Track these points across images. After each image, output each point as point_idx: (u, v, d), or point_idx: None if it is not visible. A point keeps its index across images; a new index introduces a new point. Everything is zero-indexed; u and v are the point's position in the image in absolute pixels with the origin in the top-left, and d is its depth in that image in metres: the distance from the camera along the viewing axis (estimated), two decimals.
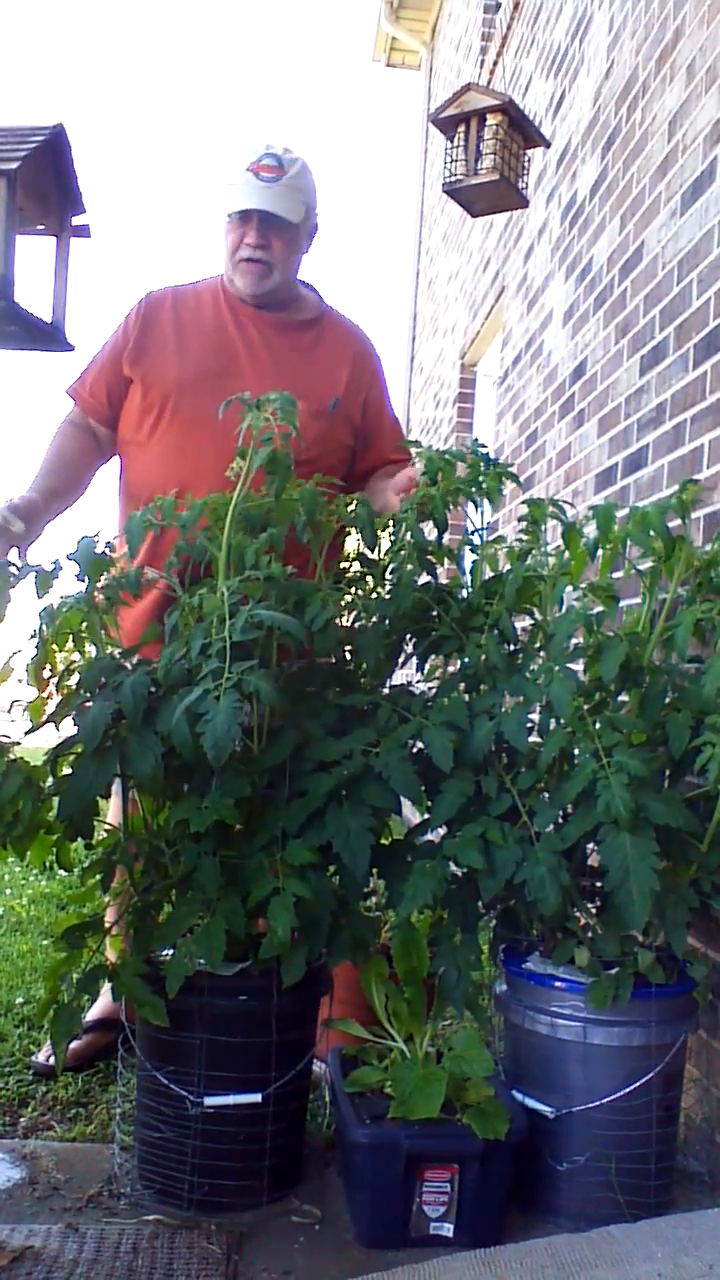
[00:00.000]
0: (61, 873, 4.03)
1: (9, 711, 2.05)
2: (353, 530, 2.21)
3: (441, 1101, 1.86)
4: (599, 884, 1.92)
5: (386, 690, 2.18)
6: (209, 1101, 1.91)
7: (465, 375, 6.67)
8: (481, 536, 2.22)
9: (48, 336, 2.12)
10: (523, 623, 2.14)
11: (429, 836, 2.04)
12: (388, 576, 2.16)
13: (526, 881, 1.85)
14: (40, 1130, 2.24)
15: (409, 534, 2.11)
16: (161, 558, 2.21)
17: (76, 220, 2.18)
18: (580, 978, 1.93)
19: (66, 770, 1.92)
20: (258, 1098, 1.92)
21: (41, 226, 2.13)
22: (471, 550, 2.21)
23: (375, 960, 2.13)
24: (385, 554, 2.18)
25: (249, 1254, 1.81)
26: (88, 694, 1.95)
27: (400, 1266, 1.69)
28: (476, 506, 2.18)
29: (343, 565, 2.28)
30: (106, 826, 2.05)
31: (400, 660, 2.22)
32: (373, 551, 2.19)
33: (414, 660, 2.20)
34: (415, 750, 1.99)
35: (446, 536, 2.23)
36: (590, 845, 1.90)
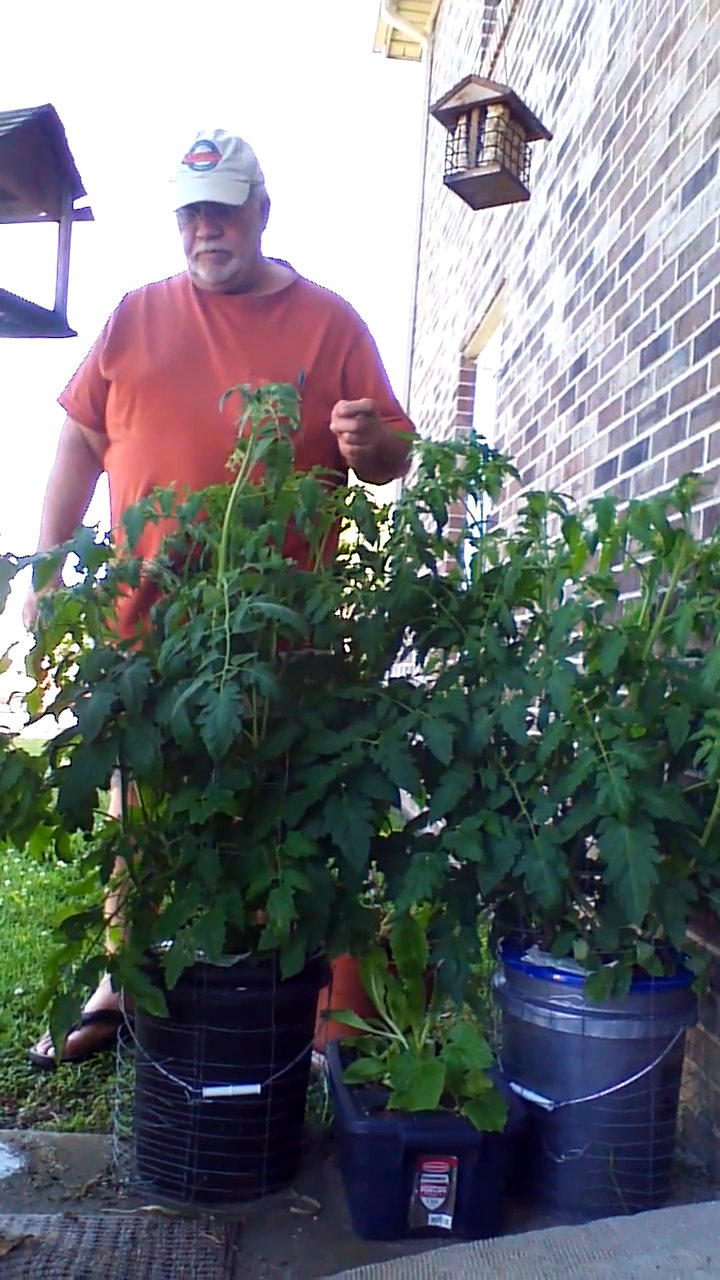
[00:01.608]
0: (60, 864, 4.04)
1: (8, 703, 2.05)
2: (352, 523, 2.21)
3: (440, 1093, 1.87)
4: (598, 877, 1.93)
5: (386, 683, 2.18)
6: (208, 1092, 1.91)
7: (465, 368, 6.66)
8: (481, 529, 2.21)
9: (47, 322, 2.11)
10: (522, 616, 2.14)
11: (428, 829, 2.04)
12: (387, 569, 2.15)
13: (525, 874, 1.85)
14: (39, 1120, 2.25)
15: (408, 526, 2.11)
16: (148, 551, 2.22)
17: (77, 204, 2.17)
18: (579, 971, 1.93)
19: (66, 761, 1.92)
20: (256, 1089, 1.92)
21: (43, 214, 2.12)
22: (471, 543, 2.21)
23: (374, 952, 2.13)
24: (385, 546, 2.18)
25: (247, 1244, 1.81)
26: (87, 685, 1.95)
27: (398, 1258, 1.69)
28: (476, 499, 2.17)
29: (341, 558, 2.28)
30: (106, 818, 2.05)
31: (400, 653, 2.22)
32: (372, 544, 2.19)
33: (413, 653, 2.20)
34: (414, 743, 1.99)
35: (446, 529, 2.22)
36: (589, 838, 1.90)
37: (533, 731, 1.97)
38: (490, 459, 2.15)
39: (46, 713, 2.01)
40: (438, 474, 2.15)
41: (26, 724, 2.03)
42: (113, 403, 2.61)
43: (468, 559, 2.22)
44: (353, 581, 2.18)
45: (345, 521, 2.24)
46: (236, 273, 2.56)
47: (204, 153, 2.46)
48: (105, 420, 2.64)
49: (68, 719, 1.97)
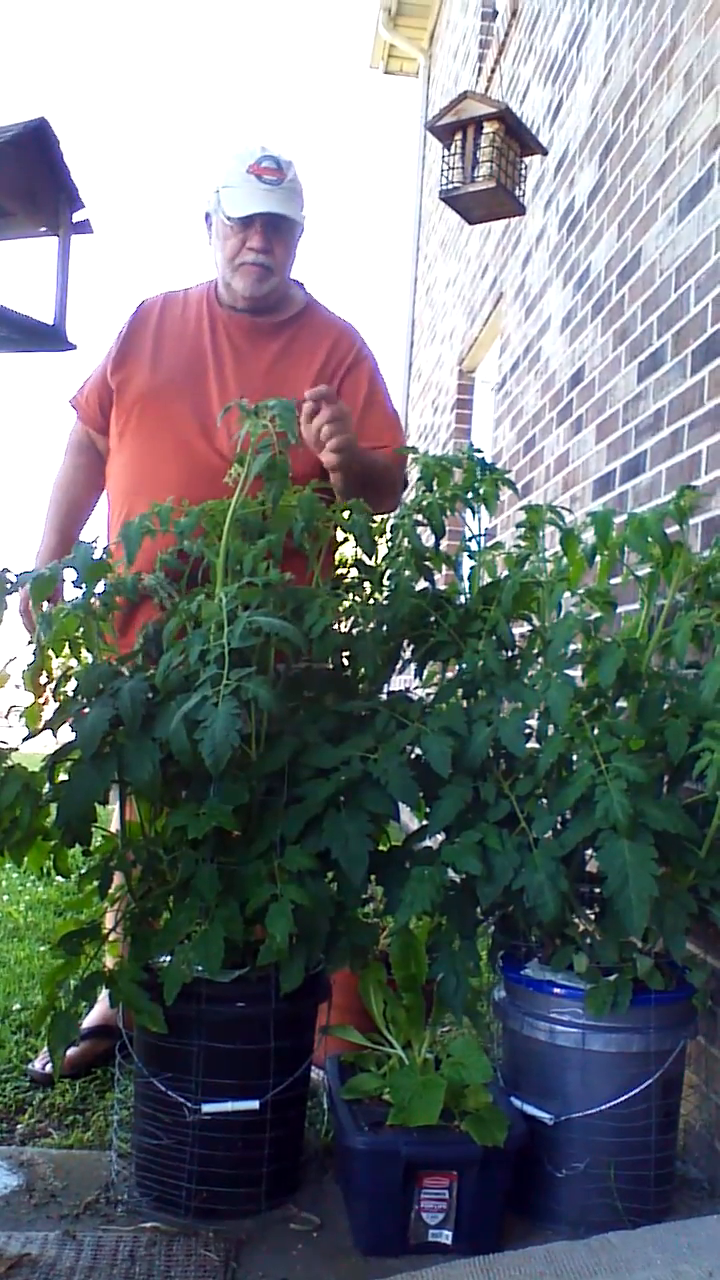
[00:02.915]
0: (59, 879, 4.03)
1: (6, 717, 2.05)
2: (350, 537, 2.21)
3: (440, 1108, 1.86)
4: (598, 890, 1.92)
5: (384, 696, 2.17)
6: (207, 1108, 1.90)
7: (463, 381, 6.68)
8: (479, 542, 2.22)
9: (46, 336, 2.11)
10: (520, 629, 2.14)
11: (427, 843, 2.03)
12: (385, 582, 2.16)
13: (525, 888, 1.85)
14: (37, 1137, 2.24)
15: (406, 540, 2.11)
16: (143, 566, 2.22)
17: (76, 216, 2.17)
18: (579, 984, 1.93)
19: (64, 776, 1.92)
20: (256, 1105, 1.91)
21: (42, 228, 2.12)
22: (469, 556, 2.21)
23: (373, 967, 2.13)
24: (383, 560, 2.18)
25: (247, 1261, 1.80)
26: (85, 700, 1.95)
27: (399, 1274, 1.69)
28: (474, 513, 2.18)
29: (339, 571, 2.28)
30: (104, 833, 2.05)
31: (398, 666, 2.22)
32: (370, 558, 2.19)
33: (412, 666, 2.20)
34: (413, 756, 1.99)
35: (444, 543, 2.22)
36: (589, 851, 1.90)
37: (531, 744, 1.97)
38: (488, 472, 2.15)
39: (45, 728, 2.01)
40: (435, 487, 2.15)
41: (25, 739, 2.03)
42: (115, 413, 2.63)
43: (466, 572, 2.22)
44: (351, 595, 2.18)
45: (342, 536, 2.24)
46: (272, 291, 2.57)
47: (271, 168, 2.50)
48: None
49: (66, 734, 1.97)
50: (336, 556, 2.38)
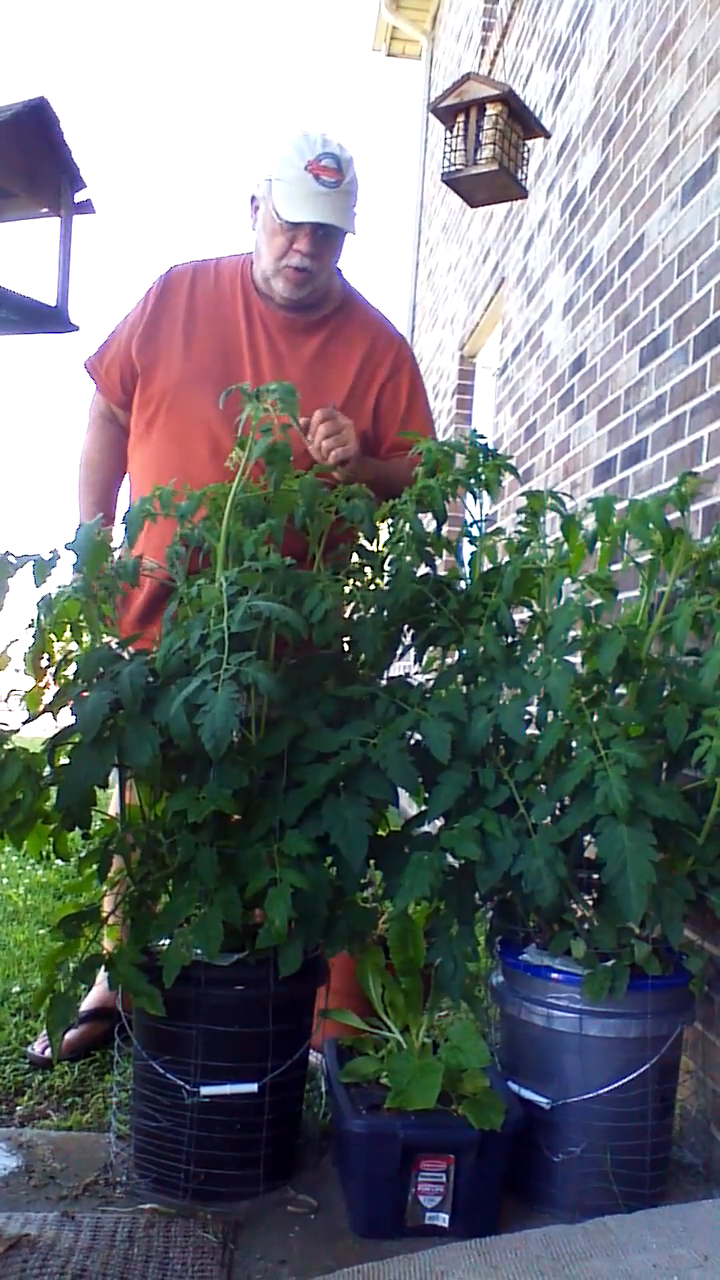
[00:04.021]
0: (58, 862, 4.03)
1: (6, 701, 2.05)
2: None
3: (438, 1092, 1.87)
4: (596, 876, 1.93)
5: (384, 681, 2.17)
6: (205, 1091, 1.91)
7: (464, 367, 6.67)
8: (480, 528, 2.21)
9: (48, 317, 2.10)
10: (521, 615, 2.14)
11: (426, 828, 2.04)
12: (386, 568, 2.15)
13: (523, 873, 1.85)
14: (36, 1119, 2.25)
15: (407, 525, 2.11)
16: (152, 551, 2.21)
17: (78, 197, 2.15)
18: (577, 969, 1.94)
19: (64, 760, 1.92)
20: (254, 1087, 1.92)
21: (44, 209, 2.10)
22: (470, 542, 2.21)
23: (372, 951, 2.14)
24: (384, 545, 2.18)
25: (245, 1243, 1.81)
26: (86, 683, 1.95)
27: (395, 1256, 1.69)
28: (475, 498, 2.17)
29: (340, 557, 2.28)
30: (104, 816, 2.05)
31: (398, 652, 2.22)
32: (371, 543, 2.18)
33: (412, 651, 2.19)
34: (413, 742, 1.99)
35: (445, 528, 2.22)
36: (587, 837, 1.90)
37: (531, 730, 1.97)
38: (489, 458, 2.15)
39: (45, 711, 2.01)
40: (437, 473, 2.15)
41: (25, 722, 2.03)
42: (139, 398, 2.54)
43: (466, 558, 2.22)
44: (351, 580, 2.18)
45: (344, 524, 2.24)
46: (312, 293, 2.47)
47: (330, 168, 2.35)
48: (133, 404, 2.57)
49: (66, 717, 1.97)
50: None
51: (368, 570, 2.19)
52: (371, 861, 1.96)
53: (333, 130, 2.42)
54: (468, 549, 2.22)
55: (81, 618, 2.01)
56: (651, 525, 1.97)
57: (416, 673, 2.27)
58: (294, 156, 2.36)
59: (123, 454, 2.64)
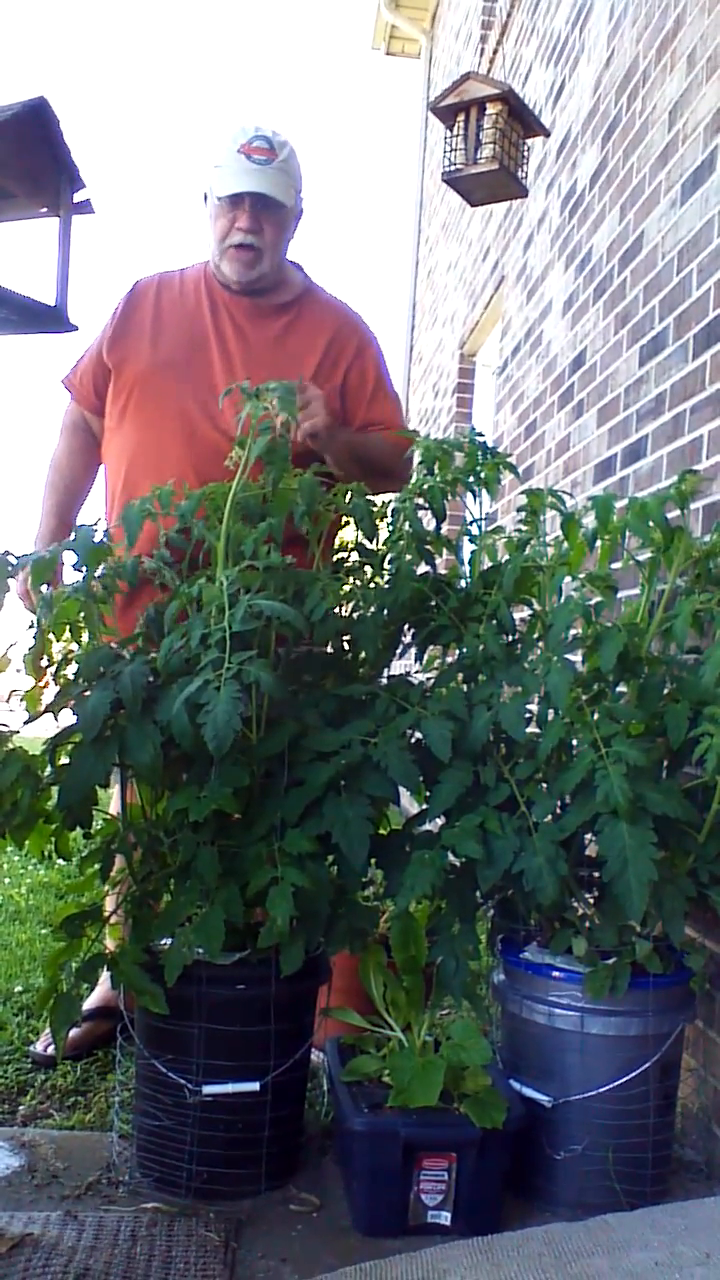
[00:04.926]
0: (60, 862, 4.04)
1: (7, 701, 2.05)
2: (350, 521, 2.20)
3: (439, 1090, 1.87)
4: (597, 874, 1.93)
5: (385, 680, 2.18)
6: (207, 1090, 1.91)
7: (464, 365, 6.66)
8: (480, 527, 2.21)
9: (47, 317, 2.10)
10: (521, 613, 2.14)
11: (427, 826, 2.04)
12: (386, 566, 2.15)
13: (524, 871, 1.85)
14: (39, 1118, 2.25)
15: (407, 524, 2.11)
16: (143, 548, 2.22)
17: (77, 196, 2.15)
18: (578, 967, 1.94)
19: (65, 760, 1.92)
20: (256, 1086, 1.92)
21: (43, 209, 2.10)
22: (470, 540, 2.21)
23: (373, 950, 2.14)
24: (384, 544, 2.18)
25: (247, 1241, 1.81)
26: (86, 683, 1.95)
27: (397, 1254, 1.69)
28: (475, 496, 2.17)
29: (339, 555, 2.28)
30: (105, 816, 2.05)
31: (399, 650, 2.22)
32: (371, 541, 2.19)
33: (412, 650, 2.20)
34: (414, 740, 1.99)
35: (445, 527, 2.22)
36: (588, 835, 1.90)
37: (532, 729, 1.97)
38: (489, 456, 2.15)
39: (46, 711, 2.01)
40: (436, 471, 2.15)
41: (26, 722, 2.03)
42: (111, 392, 2.61)
43: (466, 556, 2.22)
44: (351, 579, 2.18)
45: (344, 519, 2.24)
46: (263, 275, 2.55)
47: (262, 147, 2.48)
48: (106, 404, 2.64)
49: (67, 717, 1.97)
50: (337, 540, 2.38)
51: (368, 569, 2.19)
52: (373, 860, 1.96)
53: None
54: (468, 547, 2.22)
55: (81, 617, 2.02)
56: (651, 523, 1.97)
57: (417, 671, 2.27)
58: (229, 144, 2.50)
59: (90, 461, 2.72)
